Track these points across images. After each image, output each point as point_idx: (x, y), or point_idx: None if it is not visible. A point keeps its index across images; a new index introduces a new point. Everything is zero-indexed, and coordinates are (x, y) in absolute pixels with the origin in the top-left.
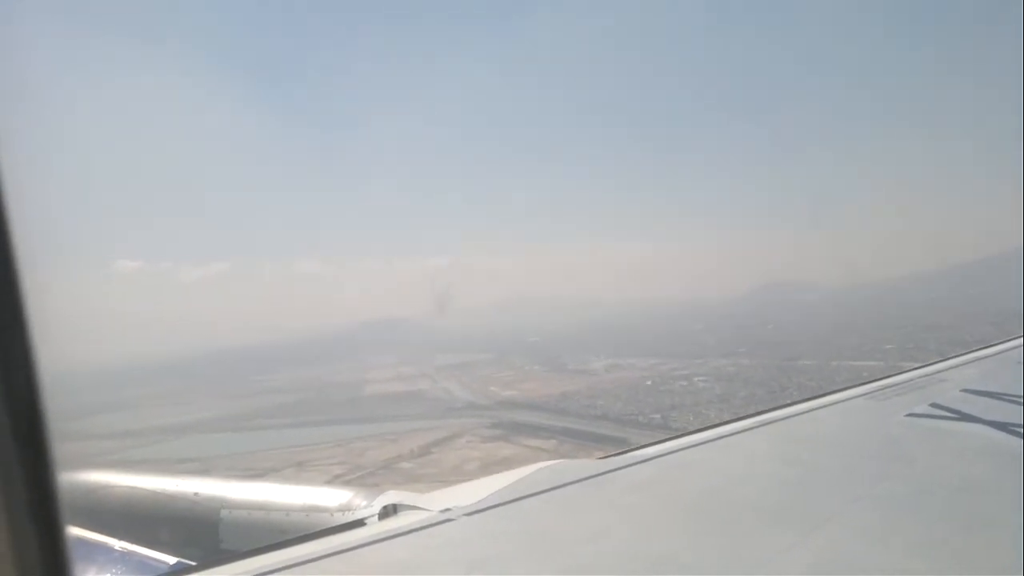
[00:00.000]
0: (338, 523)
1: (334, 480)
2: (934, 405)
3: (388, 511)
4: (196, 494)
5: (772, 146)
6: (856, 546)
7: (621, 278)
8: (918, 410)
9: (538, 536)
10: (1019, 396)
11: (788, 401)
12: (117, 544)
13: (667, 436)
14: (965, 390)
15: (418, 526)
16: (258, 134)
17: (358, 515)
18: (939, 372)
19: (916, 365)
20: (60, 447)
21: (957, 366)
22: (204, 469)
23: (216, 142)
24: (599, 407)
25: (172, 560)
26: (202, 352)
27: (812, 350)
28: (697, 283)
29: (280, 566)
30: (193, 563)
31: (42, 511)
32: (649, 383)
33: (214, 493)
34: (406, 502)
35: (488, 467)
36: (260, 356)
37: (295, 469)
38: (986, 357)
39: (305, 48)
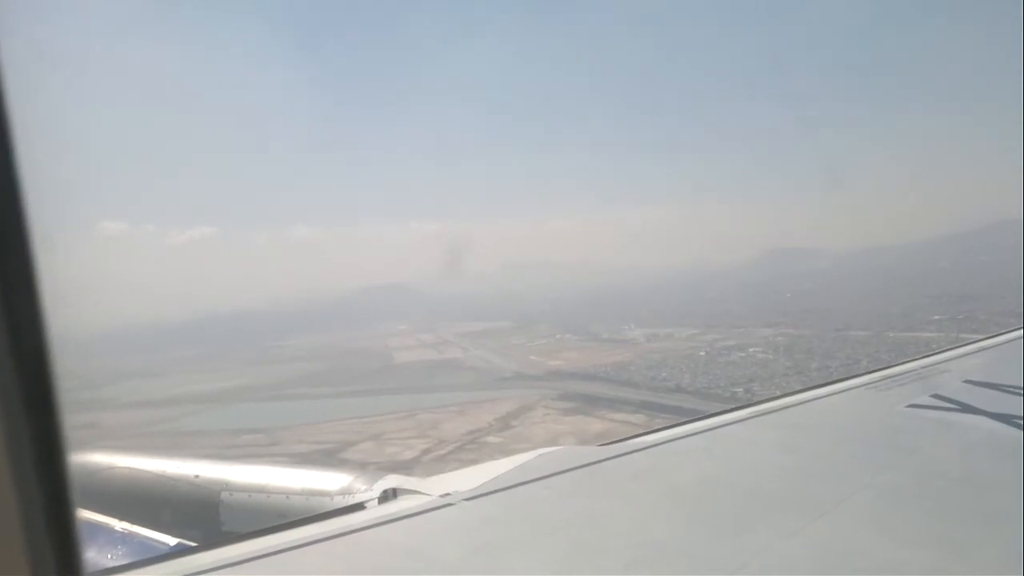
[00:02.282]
0: (338, 506)
1: (423, 455)
2: (936, 396)
3: (388, 495)
4: (197, 476)
5: (765, 107)
6: (855, 536)
7: (615, 244)
8: (920, 401)
9: (538, 522)
10: (1021, 388)
11: (839, 377)
12: (118, 525)
13: (669, 424)
14: (967, 381)
15: (418, 510)
16: (262, 93)
17: (358, 499)
18: (941, 363)
19: (978, 337)
20: (99, 416)
21: (959, 357)
22: (272, 441)
23: (218, 99)
24: (664, 379)
25: (173, 541)
26: (200, 318)
27: (856, 320)
28: (696, 250)
29: (280, 548)
30: (194, 544)
31: (53, 491)
32: (703, 354)
33: (215, 475)
34: (406, 486)
35: (587, 443)
36: (263, 322)
37: (373, 443)
38: (988, 348)
39: (315, 11)
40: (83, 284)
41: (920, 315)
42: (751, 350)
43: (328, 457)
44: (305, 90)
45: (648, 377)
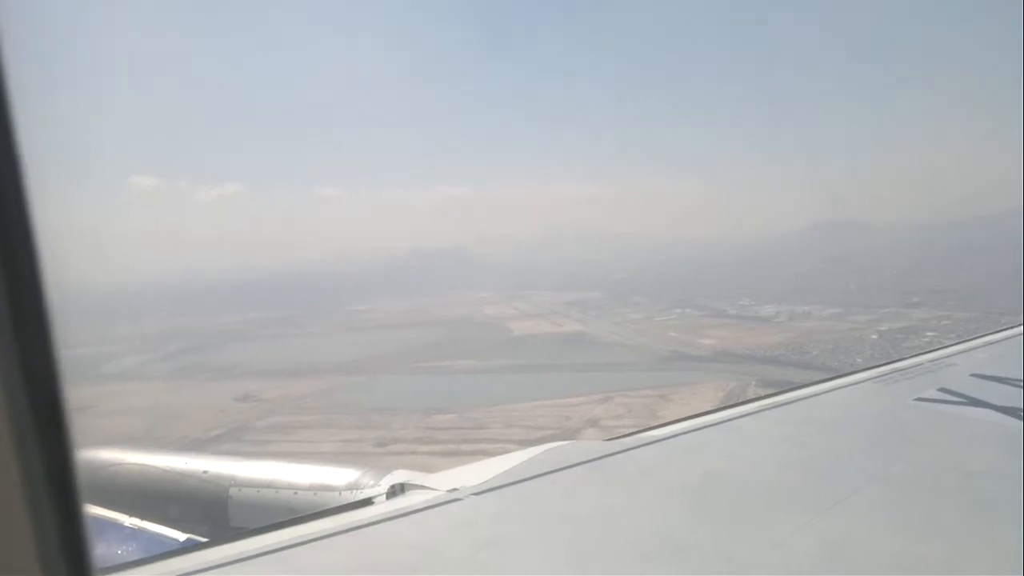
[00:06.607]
0: (346, 502)
1: None
2: (943, 390)
3: (396, 490)
4: (205, 472)
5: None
6: (863, 530)
7: (651, 213)
8: (927, 394)
9: (545, 517)
10: None
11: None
12: (127, 521)
13: (670, 420)
14: (974, 375)
15: (425, 506)
16: (304, 49)
17: (366, 494)
18: (948, 356)
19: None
20: (251, 387)
21: (966, 351)
22: (475, 424)
23: (263, 52)
24: (861, 365)
25: (182, 537)
26: (252, 277)
27: (1005, 302)
28: (735, 221)
29: (288, 544)
30: (203, 540)
31: (61, 488)
32: (875, 337)
33: (223, 471)
34: (414, 481)
35: None
36: (323, 283)
37: (595, 430)
38: (996, 342)
39: None
40: (124, 238)
41: None
42: (929, 335)
43: None
44: (362, 48)
45: (845, 363)
